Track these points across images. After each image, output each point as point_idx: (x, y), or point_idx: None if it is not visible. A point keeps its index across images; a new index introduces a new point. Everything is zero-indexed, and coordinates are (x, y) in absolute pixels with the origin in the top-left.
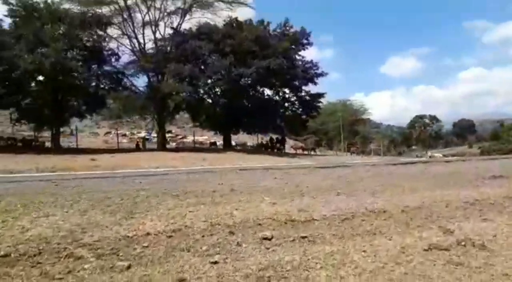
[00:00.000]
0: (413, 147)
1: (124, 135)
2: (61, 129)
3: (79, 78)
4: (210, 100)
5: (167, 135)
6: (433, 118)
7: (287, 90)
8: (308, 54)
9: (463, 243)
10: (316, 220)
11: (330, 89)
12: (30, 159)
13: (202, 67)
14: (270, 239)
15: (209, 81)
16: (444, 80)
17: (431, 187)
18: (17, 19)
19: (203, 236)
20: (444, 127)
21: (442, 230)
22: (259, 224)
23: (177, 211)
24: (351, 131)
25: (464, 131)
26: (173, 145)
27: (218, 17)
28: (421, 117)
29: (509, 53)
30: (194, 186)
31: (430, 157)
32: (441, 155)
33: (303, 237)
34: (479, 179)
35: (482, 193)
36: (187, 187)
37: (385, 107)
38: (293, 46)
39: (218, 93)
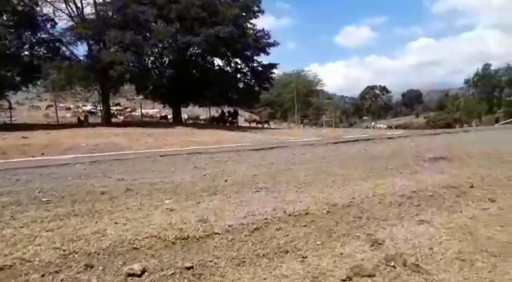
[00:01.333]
0: (364, 118)
1: (68, 109)
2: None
3: (8, 46)
4: (156, 71)
5: (115, 108)
6: (383, 89)
7: (239, 61)
8: (265, 22)
9: (392, 263)
10: (217, 234)
11: (286, 59)
12: None
13: (147, 34)
14: (139, 276)
15: (155, 50)
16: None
17: (367, 175)
18: None
19: (42, 276)
20: (393, 98)
21: (370, 241)
22: (135, 248)
23: (29, 230)
24: (305, 102)
25: (413, 101)
26: (121, 118)
27: None
28: (371, 88)
29: (456, 23)
30: (84, 183)
31: (373, 127)
32: (385, 126)
33: (188, 268)
34: (419, 162)
35: (421, 181)
36: (73, 185)
37: (339, 77)
38: (243, 14)
39: (165, 63)
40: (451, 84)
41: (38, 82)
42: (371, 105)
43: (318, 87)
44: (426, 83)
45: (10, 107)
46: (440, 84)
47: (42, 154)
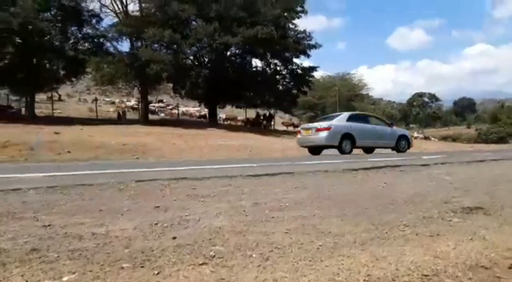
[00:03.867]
0: (412, 125)
1: (113, 103)
2: (49, 95)
3: (53, 40)
4: (193, 70)
5: (157, 105)
6: (433, 97)
7: (278, 62)
8: (315, 22)
9: None
10: None
11: (335, 60)
12: None
13: (185, 33)
14: None
15: (193, 49)
16: (450, 55)
17: (368, 235)
18: None
19: None
20: (444, 105)
21: None
22: None
23: None
24: (348, 107)
25: (465, 110)
26: (162, 115)
27: None
28: (420, 95)
29: None
30: None
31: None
32: (436, 139)
33: None
34: (447, 213)
35: (440, 254)
36: None
37: (388, 81)
38: (285, 14)
39: (203, 62)
40: (508, 94)
41: (82, 76)
42: (419, 113)
43: (363, 92)
44: (481, 92)
45: (59, 99)
46: (496, 94)
47: (69, 152)
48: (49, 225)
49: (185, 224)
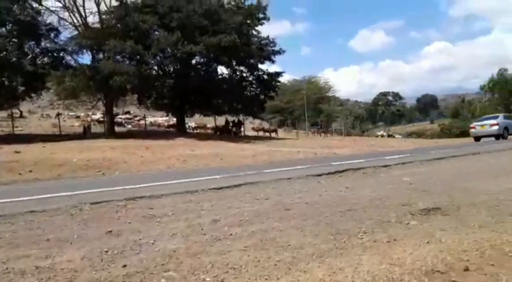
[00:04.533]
0: (379, 123)
1: (78, 117)
2: (11, 112)
3: (9, 56)
4: (158, 81)
5: (123, 117)
6: (396, 95)
7: (244, 69)
8: (279, 28)
9: None
10: None
11: (301, 64)
12: None
13: (147, 43)
14: None
15: (157, 59)
16: (411, 54)
17: (326, 246)
18: None
19: None
20: (408, 103)
21: None
22: None
23: None
24: (316, 109)
25: (428, 106)
26: (129, 127)
27: None
28: (384, 94)
29: (473, 27)
30: None
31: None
32: (400, 136)
33: None
34: (405, 216)
35: (396, 261)
36: None
37: (353, 82)
38: (247, 21)
39: (167, 72)
40: (467, 90)
41: (44, 92)
42: (384, 112)
43: (330, 94)
44: (442, 88)
45: (21, 116)
46: (456, 89)
47: (30, 171)
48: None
49: (137, 249)
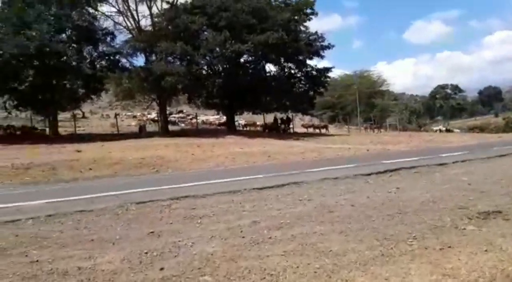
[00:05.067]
0: (437, 118)
1: (134, 117)
2: (74, 113)
3: (69, 61)
4: (208, 80)
5: (177, 115)
6: (455, 88)
7: (292, 66)
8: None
9: None
10: None
11: (353, 58)
12: (16, 151)
13: (197, 44)
14: None
15: (206, 58)
16: (471, 45)
17: (371, 253)
18: (4, 0)
19: None
20: (469, 96)
21: None
22: None
23: None
24: (369, 104)
25: (491, 99)
26: (182, 125)
27: None
28: (442, 87)
29: None
30: None
31: (439, 130)
32: (458, 130)
33: None
34: (462, 220)
35: (450, 272)
36: None
37: (409, 76)
38: (295, 17)
39: (216, 71)
40: None
41: (103, 93)
42: (442, 105)
43: (383, 88)
44: (507, 80)
45: (83, 117)
46: None
47: (90, 169)
48: (36, 261)
49: (176, 251)
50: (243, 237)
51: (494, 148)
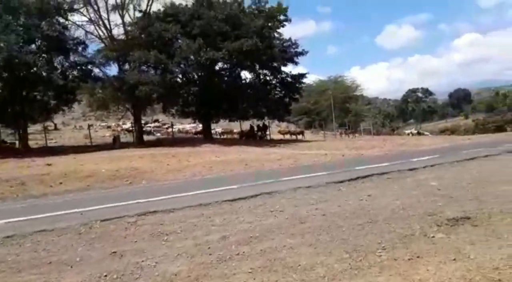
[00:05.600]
0: (410, 121)
1: (109, 127)
2: (45, 125)
3: (40, 71)
4: (182, 89)
5: (153, 125)
6: (426, 92)
7: (267, 72)
8: (304, 28)
9: None
10: None
11: (327, 64)
12: None
13: (171, 52)
14: None
15: (181, 66)
16: (440, 48)
17: (340, 266)
18: None
19: None
20: (439, 99)
21: None
22: None
23: None
24: (343, 109)
25: (461, 101)
26: (158, 135)
27: None
28: (413, 91)
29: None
30: None
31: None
32: (428, 133)
33: None
34: (431, 228)
35: None
36: None
37: (382, 80)
38: (269, 24)
39: (191, 80)
40: (502, 82)
41: (76, 104)
42: (414, 109)
43: (357, 92)
44: (475, 82)
45: (55, 128)
46: (490, 83)
47: (61, 183)
48: None
49: (138, 272)
50: (210, 254)
51: (464, 151)
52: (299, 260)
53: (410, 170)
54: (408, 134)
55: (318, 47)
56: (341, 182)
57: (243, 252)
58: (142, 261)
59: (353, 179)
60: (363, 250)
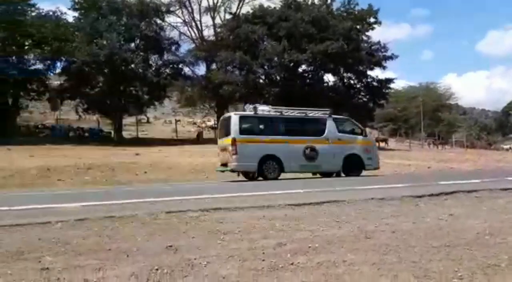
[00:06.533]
0: (510, 135)
1: (194, 123)
2: (139, 117)
3: (136, 68)
4: (264, 89)
5: None
6: None
7: (352, 76)
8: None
9: None
10: None
11: (421, 70)
12: (82, 151)
13: (256, 53)
14: None
15: (264, 67)
16: None
17: None
18: (80, 11)
19: None
20: None
21: None
22: None
23: None
24: (434, 118)
25: None
26: None
27: None
28: None
29: None
30: None
31: (510, 149)
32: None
33: None
34: None
35: None
36: None
37: (481, 89)
38: (357, 26)
39: (274, 80)
40: None
41: (168, 100)
42: None
43: (451, 101)
44: None
45: (148, 122)
46: None
47: (145, 172)
48: (47, 269)
49: (187, 270)
50: (263, 260)
51: None
52: (358, 279)
53: (505, 189)
54: (507, 149)
55: (411, 52)
56: (420, 196)
57: (298, 263)
58: (195, 258)
59: (434, 195)
60: (435, 277)
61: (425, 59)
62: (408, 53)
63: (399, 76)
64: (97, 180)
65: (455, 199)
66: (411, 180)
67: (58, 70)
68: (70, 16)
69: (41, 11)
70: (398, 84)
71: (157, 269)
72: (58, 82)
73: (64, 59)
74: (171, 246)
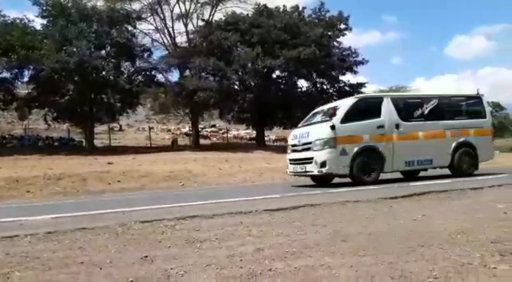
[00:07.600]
0: None
1: (169, 130)
2: (111, 125)
3: (108, 76)
4: (238, 95)
5: (210, 130)
6: (497, 106)
7: (324, 81)
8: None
9: None
10: None
11: (391, 74)
12: (52, 162)
13: (230, 60)
14: None
15: (239, 74)
16: None
17: None
18: (49, 19)
19: None
20: (511, 115)
21: None
22: None
23: None
24: None
25: None
26: (214, 139)
27: (249, 5)
28: None
29: None
30: None
31: None
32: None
33: None
34: (493, 256)
35: None
36: None
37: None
38: (328, 33)
39: (248, 87)
40: None
41: (140, 107)
42: None
43: None
44: None
45: (120, 129)
46: None
47: (118, 181)
48: None
49: (164, 281)
50: (241, 267)
51: None
52: None
53: (473, 189)
54: None
55: (381, 57)
56: (393, 198)
57: (276, 268)
58: (171, 268)
59: (407, 196)
60: (411, 277)
61: (395, 64)
62: (379, 59)
63: (370, 81)
64: (67, 191)
65: (427, 199)
66: (383, 181)
67: (25, 79)
68: (38, 23)
69: (7, 18)
70: (370, 89)
71: (131, 281)
72: (26, 91)
73: (32, 67)
74: (146, 256)
